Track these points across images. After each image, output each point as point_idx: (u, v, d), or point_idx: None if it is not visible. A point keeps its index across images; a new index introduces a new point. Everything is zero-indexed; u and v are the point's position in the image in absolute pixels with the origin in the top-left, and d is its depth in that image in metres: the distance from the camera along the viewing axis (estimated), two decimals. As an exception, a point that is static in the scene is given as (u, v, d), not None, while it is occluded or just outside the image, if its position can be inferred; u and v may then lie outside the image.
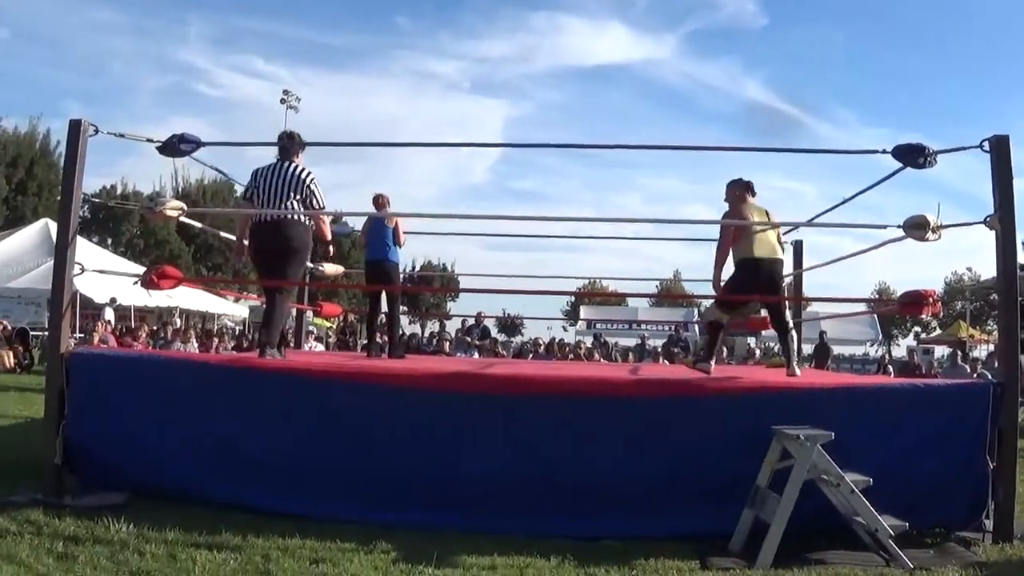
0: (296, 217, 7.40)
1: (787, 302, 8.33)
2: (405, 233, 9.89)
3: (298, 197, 7.37)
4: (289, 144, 7.59)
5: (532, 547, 5.21)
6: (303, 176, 7.42)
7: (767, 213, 7.44)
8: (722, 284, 7.38)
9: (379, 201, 9.99)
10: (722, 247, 7.33)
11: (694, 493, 5.82)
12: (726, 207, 7.45)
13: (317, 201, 7.50)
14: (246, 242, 7.72)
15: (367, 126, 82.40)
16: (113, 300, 22.51)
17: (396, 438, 6.02)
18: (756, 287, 7.25)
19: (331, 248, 8.84)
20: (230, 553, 4.86)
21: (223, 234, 21.35)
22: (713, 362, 7.39)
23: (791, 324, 7.69)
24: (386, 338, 10.43)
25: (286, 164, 7.50)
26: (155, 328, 23.18)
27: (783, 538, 5.16)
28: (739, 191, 7.48)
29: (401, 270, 10.49)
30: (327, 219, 8.25)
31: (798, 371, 7.35)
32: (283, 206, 7.34)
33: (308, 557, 4.88)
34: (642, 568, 4.94)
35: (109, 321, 20.85)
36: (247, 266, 8.63)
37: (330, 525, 5.45)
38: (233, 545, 5.02)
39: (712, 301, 7.80)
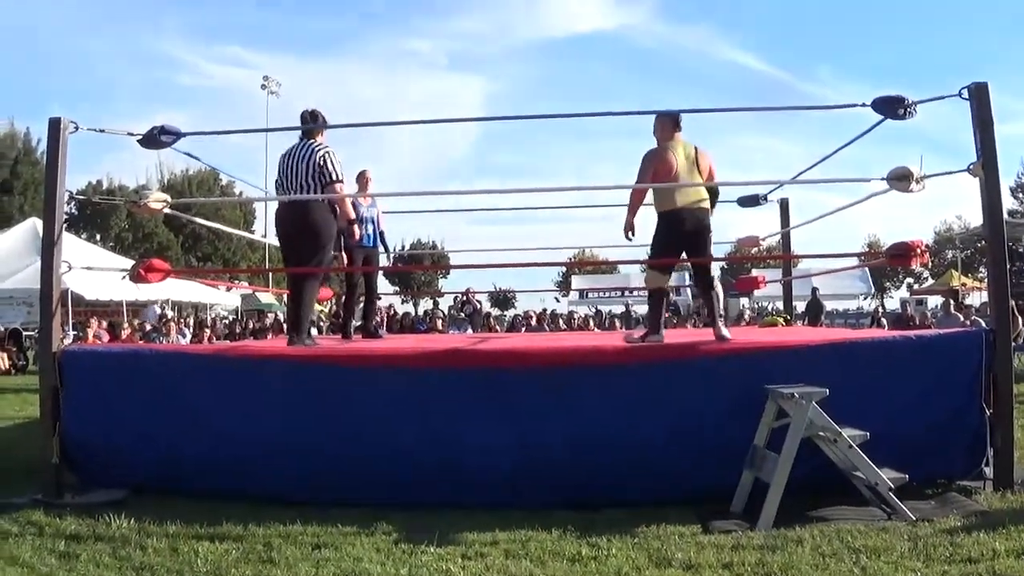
0: (313, 198, 7.12)
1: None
2: (381, 214, 9.18)
3: (313, 174, 7.13)
4: (311, 124, 7.32)
5: (533, 520, 5.21)
6: (317, 151, 7.16)
7: (695, 150, 6.78)
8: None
9: (363, 177, 9.13)
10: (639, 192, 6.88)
11: (692, 456, 5.81)
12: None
13: (329, 174, 7.14)
14: None
15: (348, 109, 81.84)
16: (155, 301, 22.59)
17: (391, 418, 6.00)
18: (681, 242, 6.78)
19: (356, 229, 8.14)
20: (232, 543, 4.86)
21: (211, 224, 21.48)
22: (663, 332, 7.12)
23: (716, 282, 7.20)
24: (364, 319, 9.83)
25: (305, 144, 7.28)
26: (143, 321, 23.07)
27: (784, 497, 5.18)
28: (667, 126, 6.83)
29: (391, 249, 10.21)
30: (348, 197, 7.74)
31: (725, 332, 6.69)
32: (301, 188, 7.11)
33: (310, 542, 4.88)
34: (644, 535, 4.94)
35: (167, 317, 21.00)
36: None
37: (331, 510, 5.45)
38: (235, 535, 5.02)
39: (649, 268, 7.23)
